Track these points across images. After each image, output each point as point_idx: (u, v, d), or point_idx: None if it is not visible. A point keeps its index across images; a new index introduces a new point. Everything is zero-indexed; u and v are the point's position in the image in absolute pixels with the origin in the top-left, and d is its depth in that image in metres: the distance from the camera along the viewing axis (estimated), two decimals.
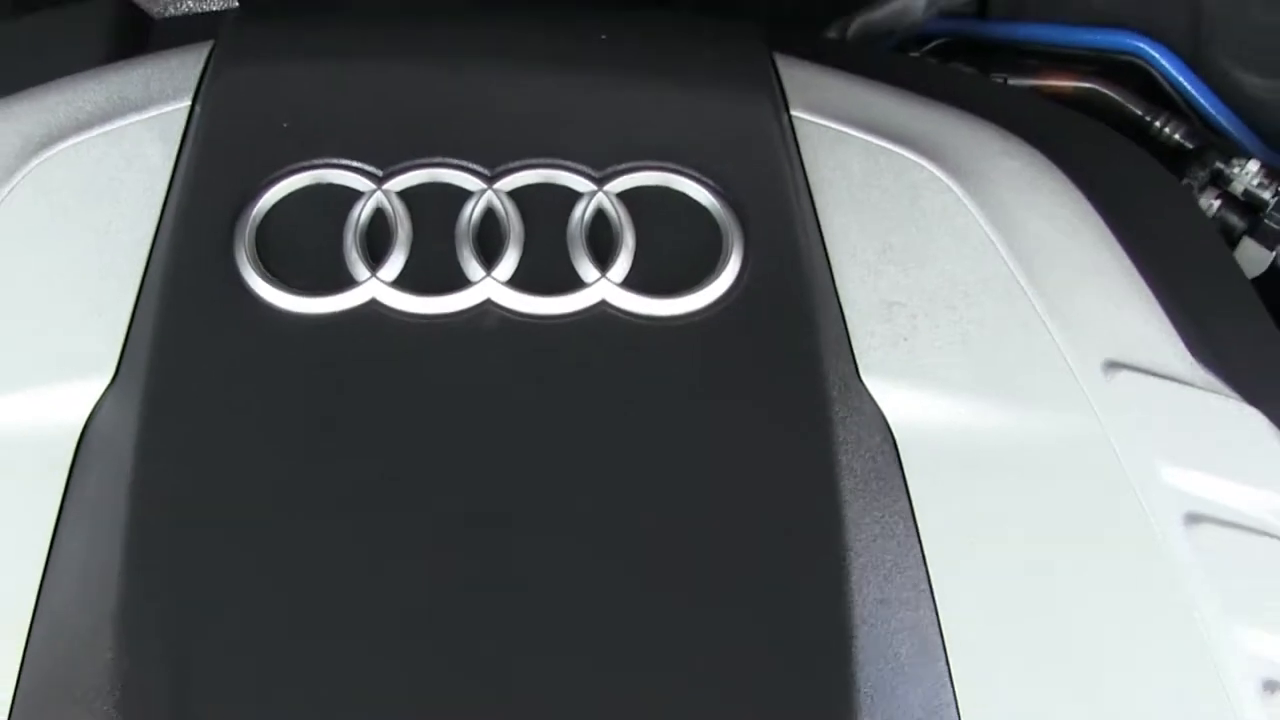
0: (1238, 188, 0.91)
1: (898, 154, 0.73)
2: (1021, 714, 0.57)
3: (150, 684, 0.54)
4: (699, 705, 0.55)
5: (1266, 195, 0.89)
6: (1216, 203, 0.92)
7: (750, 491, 0.60)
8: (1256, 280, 0.93)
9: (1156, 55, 1.03)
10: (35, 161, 0.70)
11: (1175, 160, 0.94)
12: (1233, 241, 0.92)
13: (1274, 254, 0.90)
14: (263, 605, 0.56)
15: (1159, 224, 0.80)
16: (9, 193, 0.69)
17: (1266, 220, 0.89)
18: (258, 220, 0.65)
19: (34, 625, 0.56)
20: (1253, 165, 0.91)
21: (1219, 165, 0.92)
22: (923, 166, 0.72)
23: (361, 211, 0.66)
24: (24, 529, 0.59)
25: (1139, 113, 0.97)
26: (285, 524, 0.58)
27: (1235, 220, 0.92)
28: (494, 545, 0.58)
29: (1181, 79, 1.02)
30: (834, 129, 0.73)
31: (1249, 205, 0.91)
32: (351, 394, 0.62)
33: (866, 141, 0.73)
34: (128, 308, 0.64)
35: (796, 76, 0.75)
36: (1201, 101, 1.01)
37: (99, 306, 0.64)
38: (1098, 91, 0.99)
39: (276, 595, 0.56)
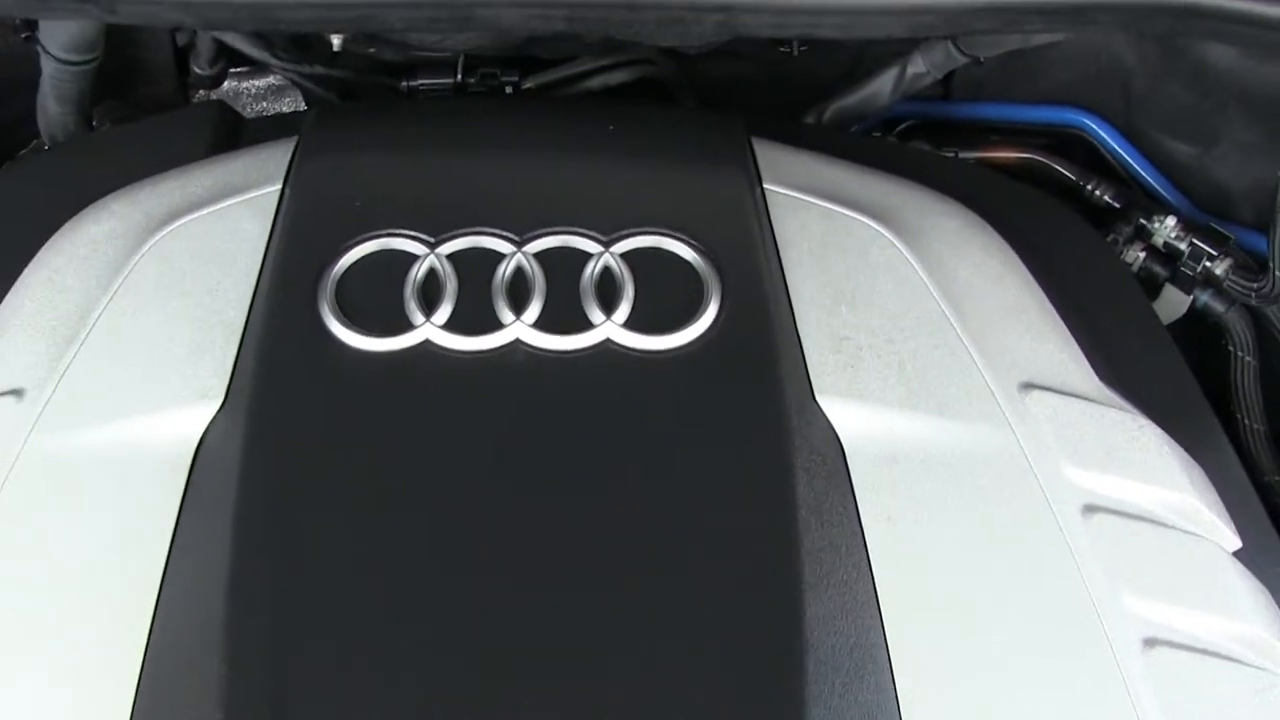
0: (1158, 240, 1.06)
1: (851, 217, 0.89)
2: (940, 662, 0.71)
3: (254, 652, 0.68)
4: (683, 658, 0.69)
5: (1183, 246, 1.04)
6: (1142, 255, 1.06)
7: (724, 487, 0.75)
8: (1182, 320, 1.08)
9: (1096, 128, 1.18)
10: (158, 235, 0.87)
11: (1106, 218, 1.10)
12: (1157, 287, 1.06)
13: (1191, 297, 1.05)
14: (344, 585, 0.71)
15: (1079, 271, 0.95)
16: (138, 260, 0.86)
17: (1182, 268, 1.04)
18: (336, 278, 0.82)
19: (160, 595, 0.71)
20: (1170, 220, 1.05)
21: (1142, 221, 1.07)
22: (871, 227, 0.88)
23: (418, 271, 0.82)
24: (153, 519, 0.74)
25: (1073, 178, 1.12)
26: (362, 518, 0.73)
27: (1158, 269, 1.06)
28: (525, 541, 0.73)
29: (1118, 148, 1.17)
30: (799, 198, 0.89)
31: (1169, 255, 1.06)
32: (410, 414, 0.78)
33: (825, 208, 0.89)
34: (234, 348, 0.80)
35: (769, 156, 0.91)
36: (1136, 167, 1.16)
37: (211, 347, 0.80)
38: (1039, 161, 1.14)
39: (354, 578, 0.71)
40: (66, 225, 0.90)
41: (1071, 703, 0.70)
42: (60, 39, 1.06)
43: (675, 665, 0.68)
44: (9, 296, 0.86)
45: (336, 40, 1.10)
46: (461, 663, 0.68)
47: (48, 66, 1.09)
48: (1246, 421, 1.05)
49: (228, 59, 1.17)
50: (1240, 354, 1.04)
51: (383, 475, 0.75)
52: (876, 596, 0.72)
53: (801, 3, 0.87)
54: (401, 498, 0.74)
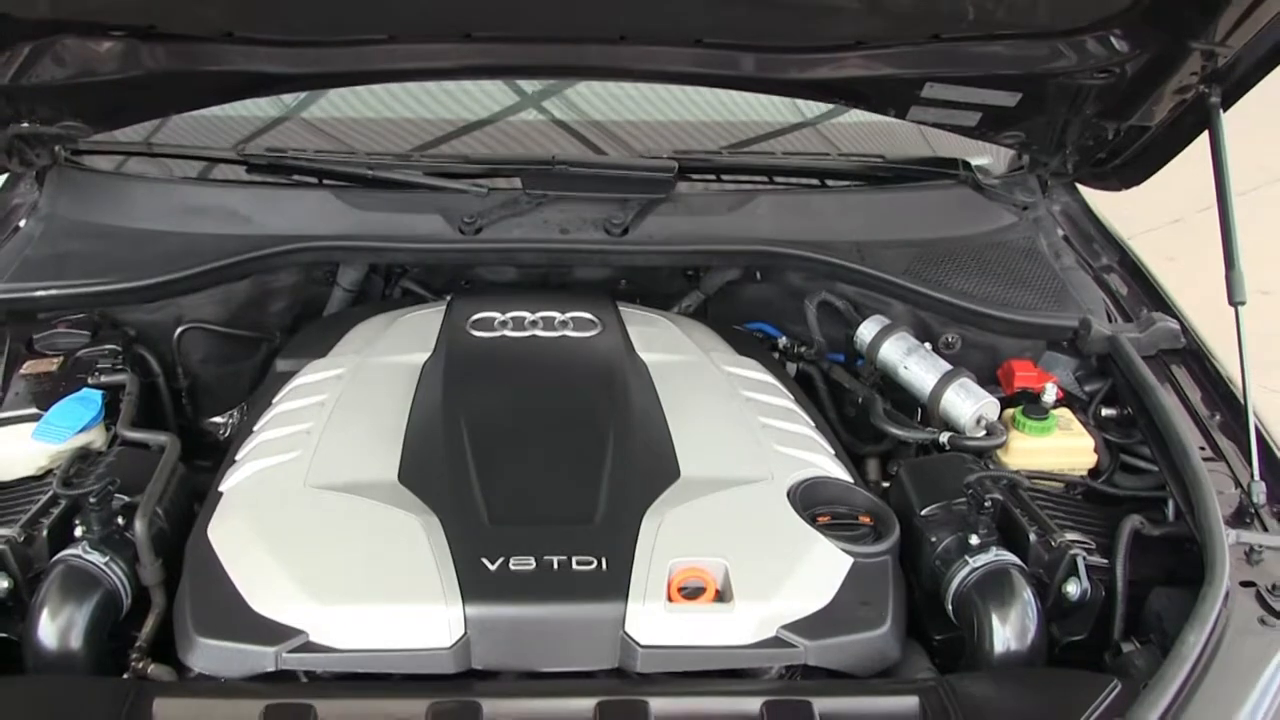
0: (783, 346, 2.66)
1: (652, 314, 2.50)
2: (684, 414, 2.15)
3: (454, 434, 2.09)
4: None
5: (789, 345, 2.65)
6: (778, 354, 2.66)
7: (607, 376, 2.22)
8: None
9: (768, 328, 2.81)
10: (402, 318, 2.44)
11: (768, 345, 2.70)
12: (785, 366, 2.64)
13: (796, 366, 2.62)
14: (478, 408, 2.15)
15: (752, 351, 2.51)
16: (394, 323, 2.41)
17: (789, 353, 2.63)
18: (470, 320, 2.35)
19: (411, 412, 2.14)
20: (783, 340, 2.67)
21: (775, 342, 2.67)
22: (662, 318, 2.48)
23: (500, 316, 2.35)
24: (407, 385, 2.19)
25: (758, 335, 2.75)
26: (482, 386, 2.18)
27: (788, 361, 2.64)
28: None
29: (775, 334, 2.79)
30: (629, 310, 2.48)
31: (787, 352, 2.65)
32: (495, 355, 2.26)
33: (641, 312, 2.49)
34: (433, 340, 2.31)
35: (621, 306, 2.52)
36: (779, 336, 2.77)
37: (425, 340, 2.31)
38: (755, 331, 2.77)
39: (484, 407, 2.15)
40: (362, 323, 2.46)
41: (721, 410, 2.16)
42: (346, 279, 2.68)
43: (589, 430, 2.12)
44: (346, 337, 2.39)
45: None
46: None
47: (336, 293, 2.68)
48: (829, 415, 2.56)
49: (401, 291, 2.79)
50: (820, 385, 2.60)
51: (487, 371, 2.23)
52: (659, 400, 2.18)
53: (624, 249, 2.56)
54: (493, 378, 2.21)
